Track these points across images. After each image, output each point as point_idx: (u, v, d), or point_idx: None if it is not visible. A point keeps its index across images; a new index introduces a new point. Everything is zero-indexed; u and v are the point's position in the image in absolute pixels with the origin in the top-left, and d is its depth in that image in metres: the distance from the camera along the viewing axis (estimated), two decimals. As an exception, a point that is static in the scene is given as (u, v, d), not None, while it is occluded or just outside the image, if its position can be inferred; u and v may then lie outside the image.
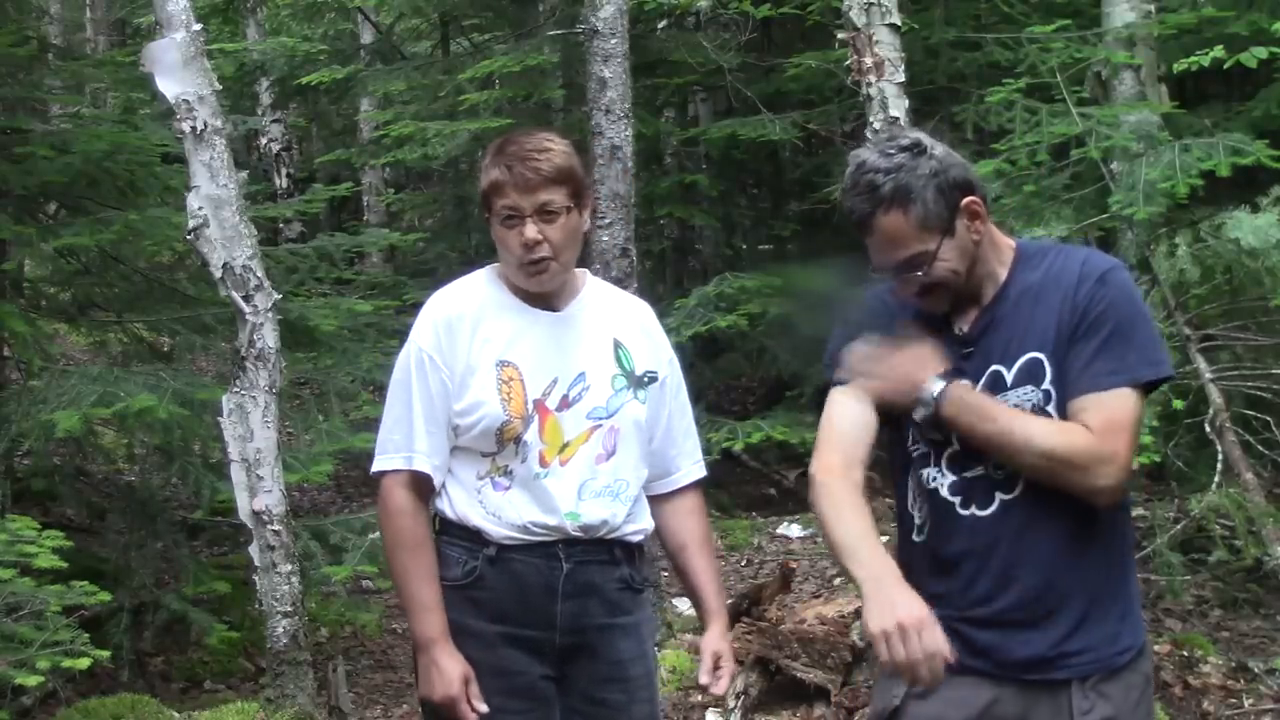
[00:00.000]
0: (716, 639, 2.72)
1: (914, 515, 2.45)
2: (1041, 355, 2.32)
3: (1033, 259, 2.40)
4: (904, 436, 2.44)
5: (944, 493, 2.38)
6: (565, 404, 2.61)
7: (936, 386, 2.31)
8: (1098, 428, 2.24)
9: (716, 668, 2.69)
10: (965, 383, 2.32)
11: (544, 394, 2.60)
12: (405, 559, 2.61)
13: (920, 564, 2.43)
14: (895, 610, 2.14)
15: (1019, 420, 2.28)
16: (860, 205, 2.31)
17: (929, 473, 2.40)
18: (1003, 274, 2.39)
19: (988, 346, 2.36)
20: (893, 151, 2.32)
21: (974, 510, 2.36)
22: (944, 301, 2.37)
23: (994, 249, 2.40)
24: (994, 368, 2.34)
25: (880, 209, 2.29)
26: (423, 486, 2.62)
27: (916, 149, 2.32)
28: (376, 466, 2.65)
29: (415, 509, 2.61)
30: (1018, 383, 2.32)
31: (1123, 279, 2.35)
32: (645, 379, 2.71)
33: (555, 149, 2.59)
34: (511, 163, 2.56)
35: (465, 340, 2.59)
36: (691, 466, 2.82)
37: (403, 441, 2.61)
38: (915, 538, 2.45)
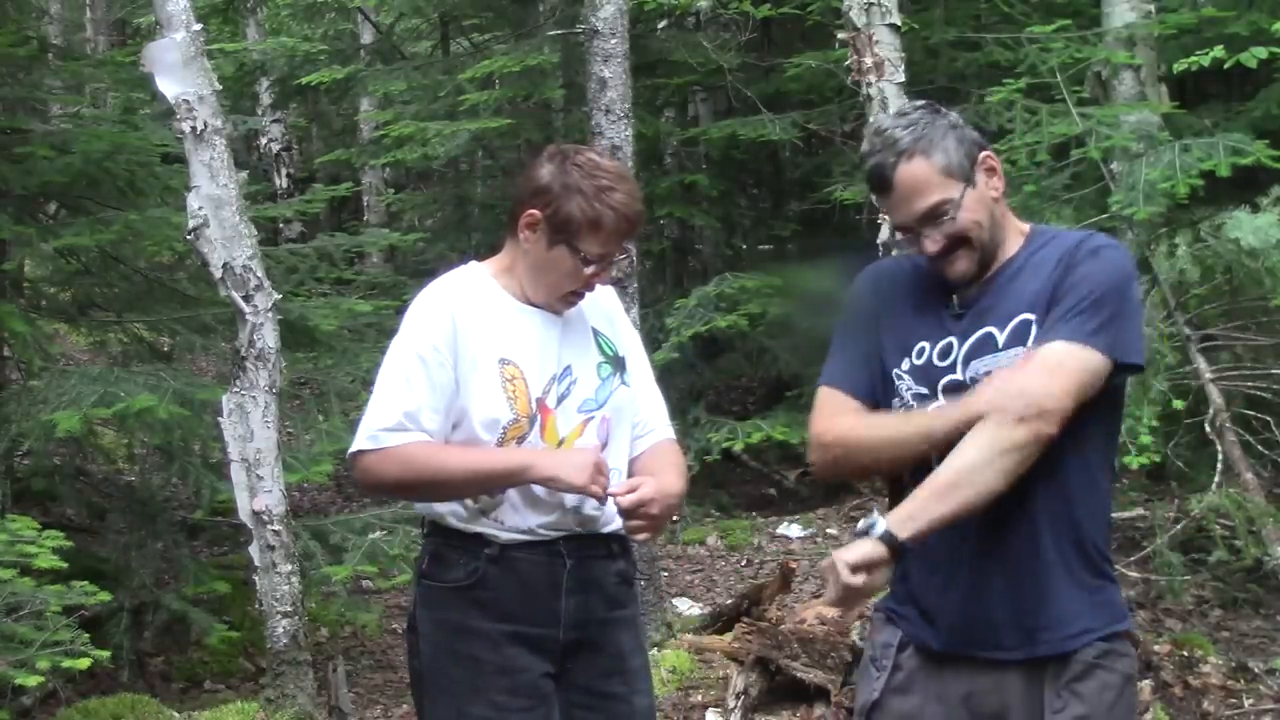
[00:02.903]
0: (651, 479, 2.58)
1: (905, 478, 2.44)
2: (1032, 316, 2.33)
3: (1042, 239, 2.43)
4: (891, 393, 2.44)
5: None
6: (559, 400, 2.62)
7: (878, 527, 2.22)
8: (1010, 373, 2.24)
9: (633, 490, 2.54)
10: (888, 515, 2.24)
11: (544, 392, 2.60)
12: (416, 465, 2.53)
13: None
14: None
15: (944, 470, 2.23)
16: (881, 159, 2.33)
17: None
18: (1011, 249, 2.41)
19: (983, 309, 2.38)
20: (908, 111, 2.40)
21: None
22: (971, 263, 2.35)
23: (1009, 224, 2.43)
24: (987, 329, 2.36)
25: (902, 158, 2.31)
26: (407, 449, 2.55)
27: (931, 108, 2.39)
28: (355, 446, 2.57)
29: (405, 454, 2.54)
30: (1009, 344, 2.34)
31: (1117, 257, 2.35)
32: (624, 359, 2.73)
33: (639, 194, 2.61)
34: (624, 214, 2.55)
35: (467, 335, 2.57)
36: (654, 431, 2.76)
37: (392, 419, 2.53)
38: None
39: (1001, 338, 2.35)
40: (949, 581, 2.38)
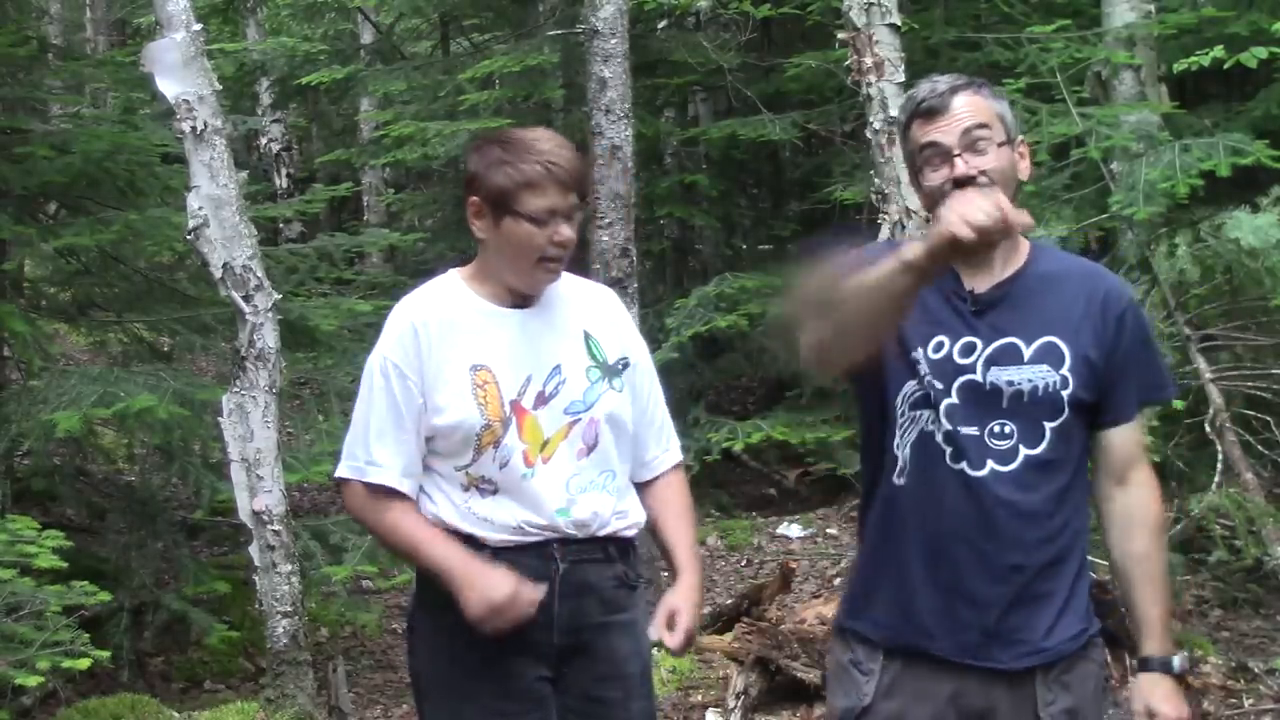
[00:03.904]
0: (676, 593, 2.65)
1: (897, 455, 2.41)
2: (1060, 341, 2.36)
3: (1045, 254, 2.49)
4: (903, 376, 2.40)
5: (938, 438, 2.37)
6: (542, 400, 2.59)
7: (1182, 662, 2.49)
8: (1148, 474, 2.48)
9: (670, 625, 2.60)
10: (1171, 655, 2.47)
11: (519, 394, 2.57)
12: (386, 522, 2.59)
13: (895, 512, 2.41)
14: None
15: (1167, 585, 2.47)
16: (940, 86, 2.39)
17: (925, 413, 2.38)
18: (1020, 258, 2.43)
19: (1004, 317, 2.39)
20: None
21: (964, 466, 2.35)
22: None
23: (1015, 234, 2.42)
24: (1011, 339, 2.37)
25: (966, 89, 2.39)
26: (380, 494, 2.60)
27: None
28: (338, 473, 2.65)
29: (375, 496, 2.59)
30: (1035, 360, 2.36)
31: (1138, 301, 2.54)
32: (619, 366, 2.69)
33: (572, 148, 2.60)
34: (550, 162, 2.52)
35: (432, 347, 2.56)
36: (665, 454, 2.80)
37: (361, 452, 2.59)
38: (896, 479, 2.41)
39: (1027, 352, 2.36)
40: (949, 596, 2.36)
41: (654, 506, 2.76)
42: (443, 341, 2.57)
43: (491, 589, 2.47)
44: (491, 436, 2.55)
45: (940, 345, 2.39)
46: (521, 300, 2.63)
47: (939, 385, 2.37)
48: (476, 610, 2.47)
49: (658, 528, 2.76)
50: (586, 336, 2.67)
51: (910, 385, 2.40)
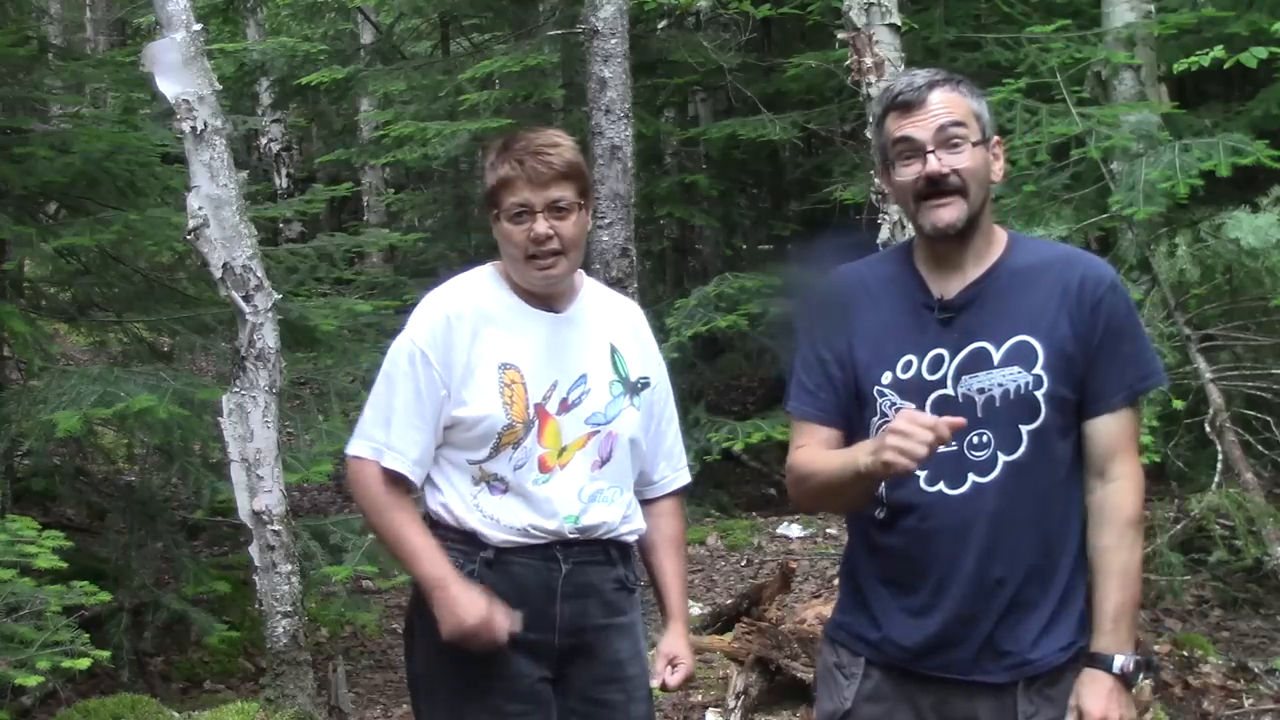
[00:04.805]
0: (673, 640, 2.73)
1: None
2: (1032, 339, 2.31)
3: (1024, 246, 2.44)
4: (869, 409, 2.39)
5: None
6: (565, 407, 2.59)
7: (1125, 662, 2.33)
8: (1130, 468, 2.37)
9: (672, 666, 2.70)
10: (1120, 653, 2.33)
11: (544, 397, 2.58)
12: (389, 518, 2.59)
13: (877, 546, 2.40)
14: None
15: (1130, 581, 2.35)
16: (917, 81, 2.36)
17: None
18: (994, 254, 2.39)
19: (973, 321, 2.34)
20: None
21: (942, 487, 2.32)
22: (959, 215, 2.32)
23: (989, 227, 2.41)
24: (980, 344, 2.33)
25: (943, 85, 2.35)
26: (393, 479, 2.60)
27: None
28: (350, 450, 2.64)
29: (388, 482, 2.59)
30: (1005, 362, 2.32)
31: (1125, 289, 2.40)
32: (639, 384, 2.69)
33: (565, 145, 2.58)
34: (523, 158, 2.53)
35: (465, 340, 2.56)
36: (675, 474, 2.82)
37: (380, 434, 2.59)
38: (878, 514, 2.39)
39: (997, 355, 2.32)
40: (935, 619, 2.34)
41: (651, 534, 2.76)
42: (475, 335, 2.57)
43: (465, 614, 2.49)
44: (513, 436, 2.55)
45: (909, 364, 2.35)
46: (545, 302, 2.63)
47: (913, 406, 2.33)
48: (448, 631, 2.51)
49: (653, 559, 2.78)
50: (613, 350, 2.68)
51: (874, 422, 2.37)
